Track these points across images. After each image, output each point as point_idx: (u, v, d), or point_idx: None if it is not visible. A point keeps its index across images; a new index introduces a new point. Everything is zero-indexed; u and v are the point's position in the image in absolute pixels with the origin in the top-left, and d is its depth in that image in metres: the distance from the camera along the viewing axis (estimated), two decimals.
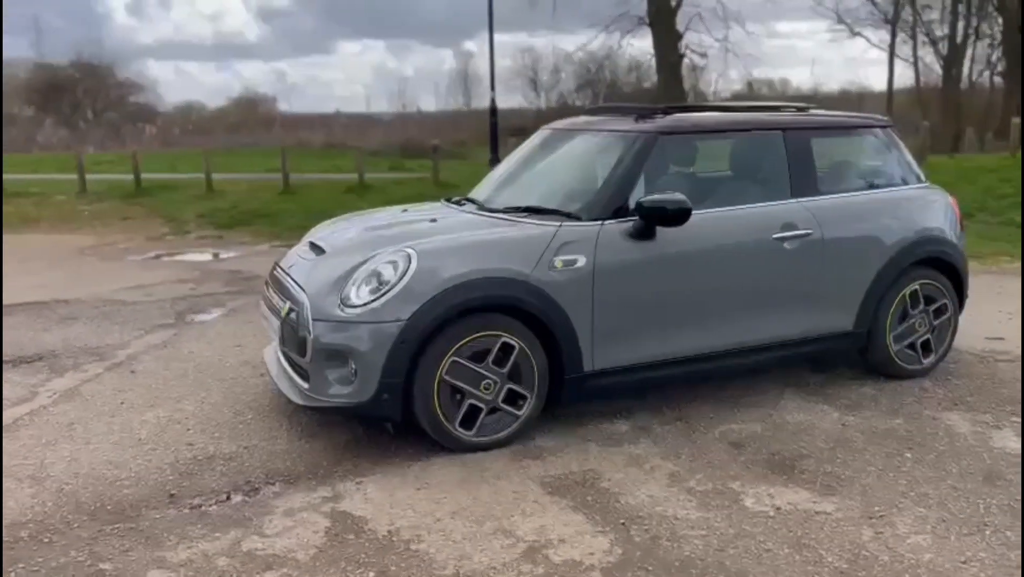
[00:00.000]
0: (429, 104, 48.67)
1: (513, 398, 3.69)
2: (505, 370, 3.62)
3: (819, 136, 4.43)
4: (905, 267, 4.40)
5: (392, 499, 3.21)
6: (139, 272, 8.25)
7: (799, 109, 4.69)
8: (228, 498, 3.26)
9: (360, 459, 3.59)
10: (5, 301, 6.75)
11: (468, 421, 3.61)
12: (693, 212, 3.90)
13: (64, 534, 2.99)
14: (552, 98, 34.50)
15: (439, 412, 3.53)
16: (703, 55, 27.82)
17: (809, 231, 4.17)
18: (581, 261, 3.71)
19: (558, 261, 3.67)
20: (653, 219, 3.79)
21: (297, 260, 4.08)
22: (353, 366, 3.49)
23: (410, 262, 3.53)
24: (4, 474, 3.48)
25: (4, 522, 3.07)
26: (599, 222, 3.81)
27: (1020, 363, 4.78)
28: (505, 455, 3.61)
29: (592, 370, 3.80)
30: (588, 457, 3.59)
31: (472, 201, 4.46)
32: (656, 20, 25.80)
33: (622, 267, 3.80)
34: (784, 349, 4.25)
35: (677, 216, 3.77)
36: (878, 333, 4.42)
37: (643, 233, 3.83)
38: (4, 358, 5.15)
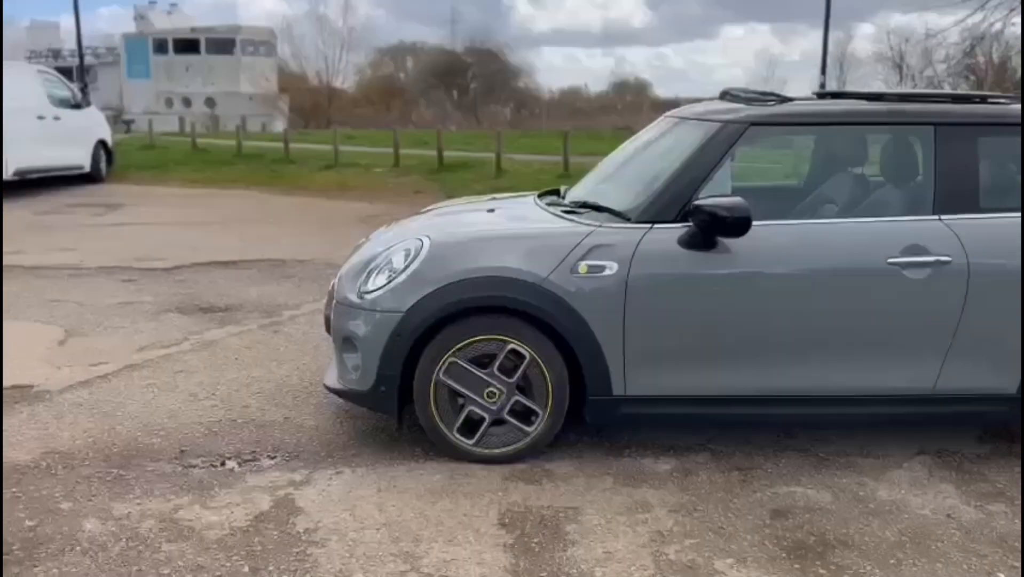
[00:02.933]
0: (801, 88, 45.98)
1: (525, 413, 3.34)
2: (513, 380, 3.28)
3: (992, 135, 3.35)
4: None
5: (345, 496, 3.08)
6: None
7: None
8: (222, 464, 3.37)
9: (363, 449, 3.50)
10: (257, 255, 7.70)
11: (470, 429, 3.34)
12: (779, 223, 3.21)
13: (72, 470, 3.31)
14: (920, 84, 30.82)
15: (435, 414, 3.31)
16: None
17: (947, 257, 3.19)
18: (611, 269, 3.21)
19: (582, 266, 3.22)
20: (708, 226, 3.16)
21: (366, 241, 4.07)
22: (359, 354, 3.40)
23: (420, 251, 3.34)
24: (92, 406, 3.95)
25: (46, 448, 3.48)
26: (646, 226, 3.27)
27: None
28: (500, 473, 3.28)
29: (623, 395, 3.30)
30: (582, 493, 3.13)
31: (555, 193, 4.09)
32: None
33: (667, 281, 3.24)
34: (892, 406, 3.32)
35: (735, 225, 3.10)
36: None
37: (699, 242, 3.21)
38: (200, 305, 5.87)
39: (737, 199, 3.10)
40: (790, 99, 3.53)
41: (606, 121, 29.43)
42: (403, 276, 3.30)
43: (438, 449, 3.41)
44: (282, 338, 5.11)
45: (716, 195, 3.21)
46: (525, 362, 3.26)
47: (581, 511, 2.99)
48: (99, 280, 6.72)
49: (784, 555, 2.74)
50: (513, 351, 3.26)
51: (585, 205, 3.60)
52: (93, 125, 14.31)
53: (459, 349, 3.25)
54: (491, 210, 3.87)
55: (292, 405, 3.99)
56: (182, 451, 3.48)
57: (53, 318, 5.45)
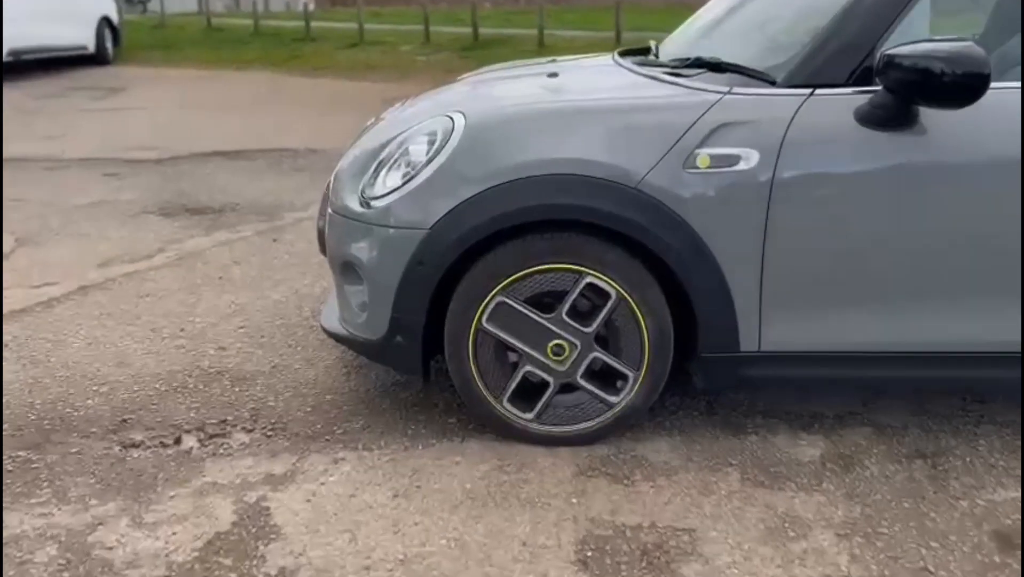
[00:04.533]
0: None
1: (607, 376, 2.28)
2: (591, 329, 2.20)
3: None
4: None
5: (345, 505, 2.07)
6: None
7: None
8: (176, 441, 2.37)
9: (376, 420, 2.48)
10: (266, 144, 6.61)
11: (527, 398, 2.30)
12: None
13: None
14: None
15: (476, 377, 2.26)
16: None
17: None
18: (751, 160, 2.07)
19: (703, 156, 2.08)
20: (910, 91, 1.98)
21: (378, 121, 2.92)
22: (365, 288, 2.34)
23: (450, 136, 2.21)
24: (18, 347, 2.97)
25: None
26: (803, 91, 2.10)
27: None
28: (573, 462, 2.24)
29: (754, 351, 2.21)
30: (696, 500, 2.08)
31: (644, 53, 2.89)
32: None
33: (838, 179, 2.09)
34: None
35: (962, 87, 1.92)
36: None
37: (892, 116, 2.05)
38: (188, 204, 4.84)
39: (966, 43, 1.91)
40: None
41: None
42: (426, 173, 2.19)
43: (481, 423, 2.39)
44: (282, 249, 4.06)
45: (918, 40, 2.01)
46: (610, 303, 2.17)
47: (701, 536, 1.96)
48: (76, 174, 5.69)
49: None
50: (592, 287, 2.17)
51: (698, 63, 2.40)
52: (96, 0, 13.01)
53: (510, 284, 2.17)
54: (553, 75, 2.69)
55: (285, 347, 2.97)
56: (123, 420, 2.49)
57: (6, 222, 4.44)
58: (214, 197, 5.03)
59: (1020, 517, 2.02)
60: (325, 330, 2.56)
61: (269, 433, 2.41)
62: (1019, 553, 1.90)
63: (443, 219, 2.15)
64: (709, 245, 2.10)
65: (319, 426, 2.44)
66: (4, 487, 2.15)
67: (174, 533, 1.97)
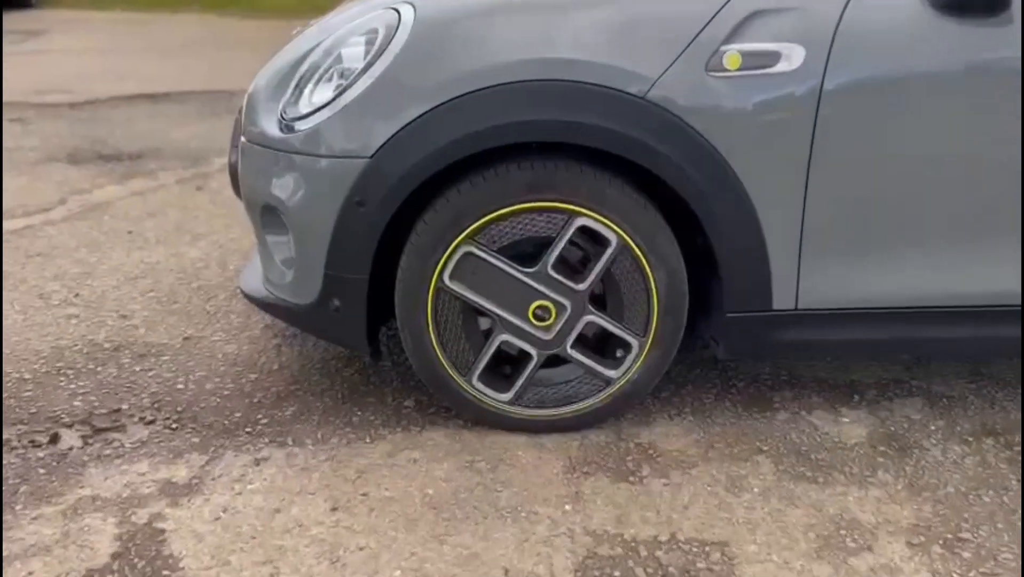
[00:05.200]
0: None
1: (604, 345, 1.80)
2: (584, 285, 1.71)
3: None
4: None
5: (265, 528, 1.57)
6: None
7: None
8: (52, 440, 1.84)
9: (311, 405, 1.97)
10: (198, 86, 5.97)
11: (502, 375, 1.81)
12: None
13: None
14: None
15: (437, 350, 1.76)
16: None
17: None
18: (793, 59, 1.57)
19: (731, 55, 1.57)
20: None
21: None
22: (290, 237, 1.81)
23: (395, 35, 1.67)
24: None
25: None
26: None
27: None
28: (564, 454, 1.77)
29: (790, 309, 1.74)
30: (723, 500, 1.62)
31: None
32: None
33: (905, 82, 1.60)
34: None
35: None
36: None
37: (975, 0, 1.56)
38: (102, 151, 4.22)
39: None
40: None
41: None
42: (363, 84, 1.66)
43: (445, 408, 1.90)
44: (206, 198, 3.49)
45: None
46: (608, 252, 1.68)
47: (737, 552, 1.50)
48: None
49: None
50: (585, 231, 1.68)
51: None
52: None
53: (479, 229, 1.66)
54: None
55: (201, 314, 2.44)
56: None
57: None
58: (133, 142, 4.41)
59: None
60: (245, 294, 2.03)
61: (173, 425, 1.89)
62: None
63: (387, 144, 1.62)
64: (738, 172, 1.61)
65: (238, 415, 1.93)
66: None
67: (29, 575, 1.45)
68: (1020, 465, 1.74)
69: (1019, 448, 1.80)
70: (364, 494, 1.64)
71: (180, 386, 2.05)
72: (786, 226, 1.66)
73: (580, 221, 1.65)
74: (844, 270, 1.72)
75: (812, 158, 1.61)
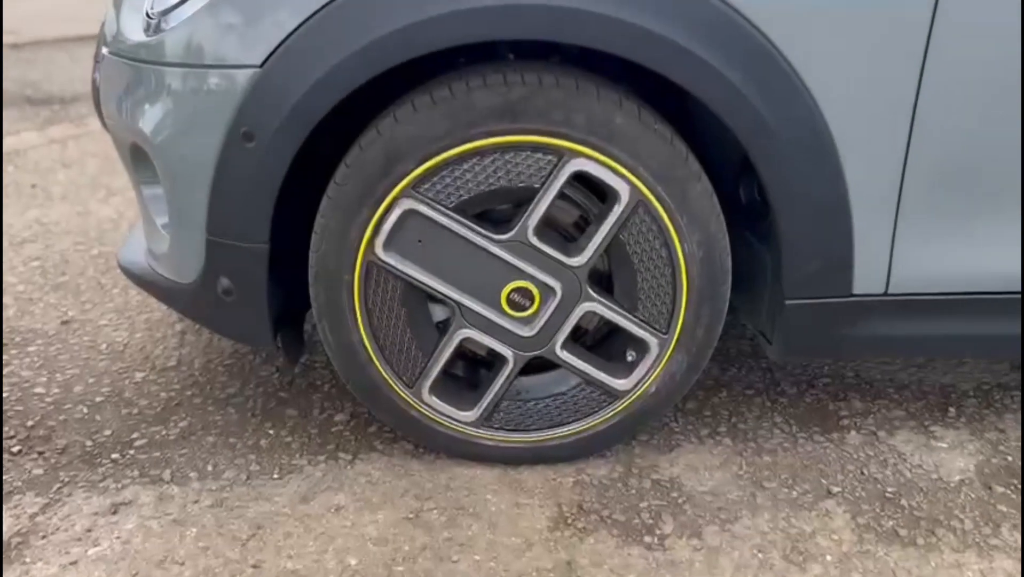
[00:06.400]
0: None
1: (609, 344, 1.27)
2: (582, 259, 1.17)
3: None
4: None
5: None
6: None
7: None
8: None
9: (204, 426, 1.44)
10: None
11: (465, 385, 1.29)
12: None
13: None
14: None
15: (369, 349, 1.23)
16: None
17: None
18: None
19: None
20: None
21: None
22: (164, 187, 1.27)
23: None
24: None
25: None
26: None
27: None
28: (550, 501, 1.24)
29: (878, 295, 1.20)
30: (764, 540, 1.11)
31: None
32: None
33: None
34: None
35: None
36: None
37: None
38: (32, 95, 3.67)
39: None
40: None
41: None
42: None
43: (386, 428, 1.37)
44: None
45: None
46: (617, 210, 1.13)
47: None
48: None
49: None
50: (582, 180, 1.13)
51: None
52: None
53: (425, 175, 1.12)
54: None
55: (92, 289, 1.91)
56: None
57: None
58: (68, 86, 3.86)
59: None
60: (122, 267, 1.50)
61: (15, 448, 1.37)
62: None
63: (284, 47, 1.07)
64: (816, 95, 1.06)
65: (106, 433, 1.40)
66: None
67: None
68: None
69: None
70: (255, 567, 1.12)
71: (39, 390, 1.53)
72: (879, 177, 1.12)
73: (576, 164, 1.11)
74: (957, 242, 1.18)
75: (921, 83, 1.06)
